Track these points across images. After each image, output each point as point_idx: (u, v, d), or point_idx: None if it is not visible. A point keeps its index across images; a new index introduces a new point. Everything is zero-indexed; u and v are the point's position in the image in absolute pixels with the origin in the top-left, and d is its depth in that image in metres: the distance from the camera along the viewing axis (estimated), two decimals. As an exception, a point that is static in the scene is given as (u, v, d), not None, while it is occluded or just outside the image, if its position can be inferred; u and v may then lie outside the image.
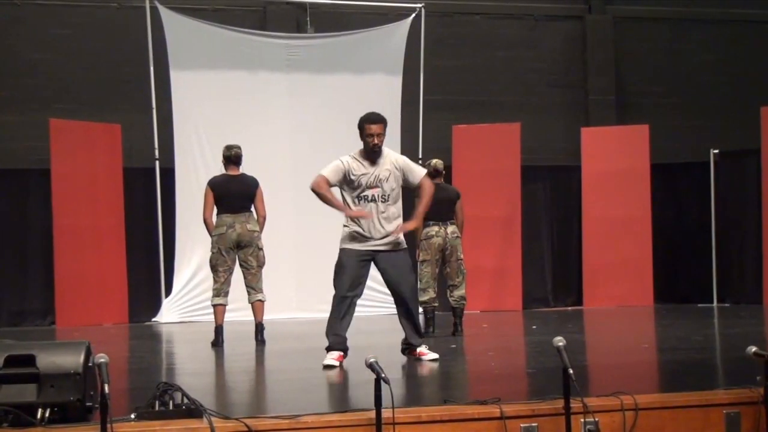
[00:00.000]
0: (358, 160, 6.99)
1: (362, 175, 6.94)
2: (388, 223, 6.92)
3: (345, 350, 6.98)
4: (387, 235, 6.91)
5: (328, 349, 6.95)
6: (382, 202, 6.92)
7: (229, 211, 8.87)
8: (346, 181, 6.96)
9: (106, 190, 12.27)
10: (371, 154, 6.96)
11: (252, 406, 5.34)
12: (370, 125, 6.97)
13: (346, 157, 7.02)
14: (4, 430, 4.23)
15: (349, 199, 6.99)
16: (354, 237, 6.95)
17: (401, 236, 7.01)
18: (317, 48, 13.07)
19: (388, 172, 6.97)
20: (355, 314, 12.15)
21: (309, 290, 12.60)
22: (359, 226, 6.92)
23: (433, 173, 9.07)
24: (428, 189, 7.13)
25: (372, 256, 6.97)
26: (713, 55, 14.94)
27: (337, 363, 6.84)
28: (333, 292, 7.08)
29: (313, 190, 7.03)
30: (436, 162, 9.56)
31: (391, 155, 7.12)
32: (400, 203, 7.04)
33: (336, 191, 7.13)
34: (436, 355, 7.18)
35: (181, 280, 12.38)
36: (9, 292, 12.32)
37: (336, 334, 6.96)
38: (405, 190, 7.15)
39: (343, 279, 6.98)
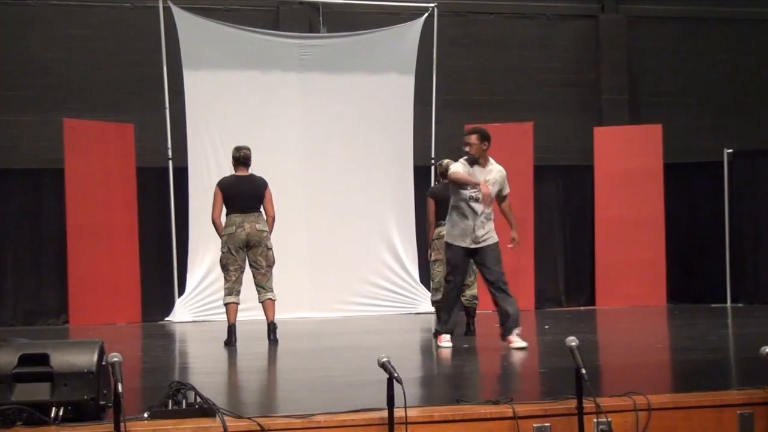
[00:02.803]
0: (467, 166, 7.93)
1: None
2: (483, 227, 7.88)
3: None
4: (484, 237, 7.90)
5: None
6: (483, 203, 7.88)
7: (239, 211, 8.91)
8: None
9: (120, 189, 12.30)
10: (470, 160, 7.93)
11: (265, 406, 5.35)
12: (465, 136, 8.08)
13: (460, 161, 8.01)
14: (19, 429, 4.24)
15: (456, 201, 7.94)
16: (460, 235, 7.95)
17: (494, 234, 7.97)
18: (330, 48, 13.07)
19: (494, 180, 7.94)
20: (366, 313, 12.70)
21: (321, 290, 12.63)
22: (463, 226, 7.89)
23: (444, 173, 9.08)
24: (510, 209, 8.21)
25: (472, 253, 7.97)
26: (727, 55, 14.88)
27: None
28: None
29: (455, 176, 7.93)
30: (448, 162, 9.54)
31: (497, 166, 8.05)
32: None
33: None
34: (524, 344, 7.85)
35: (194, 280, 12.41)
36: (23, 291, 12.36)
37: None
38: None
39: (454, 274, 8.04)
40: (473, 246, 7.89)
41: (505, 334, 7.92)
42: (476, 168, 7.91)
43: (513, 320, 7.85)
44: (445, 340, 8.08)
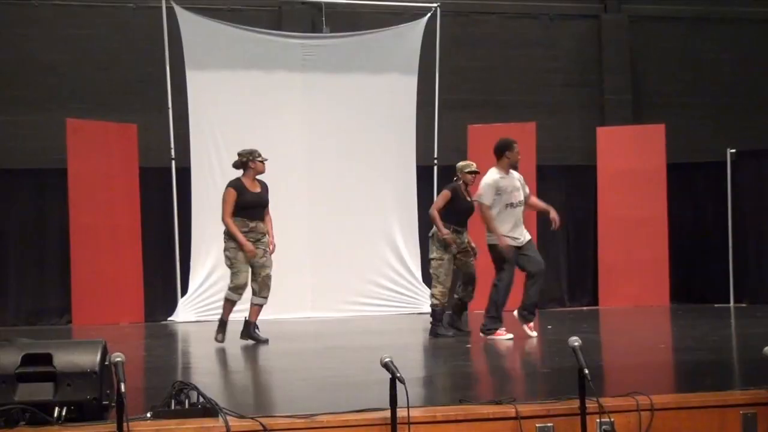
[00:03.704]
0: (503, 176, 8.75)
1: (506, 186, 8.73)
2: (521, 225, 8.83)
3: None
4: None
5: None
6: (520, 206, 8.81)
7: None
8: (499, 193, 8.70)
9: (123, 189, 12.31)
10: (515, 168, 8.83)
11: (267, 405, 5.36)
12: (516, 144, 8.91)
13: (495, 175, 8.74)
14: (22, 429, 4.25)
15: (498, 207, 8.68)
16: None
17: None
18: (333, 48, 13.07)
19: (519, 184, 8.82)
20: (369, 313, 12.93)
21: (324, 290, 12.62)
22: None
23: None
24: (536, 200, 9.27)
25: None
26: (729, 54, 14.86)
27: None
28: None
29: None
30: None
31: (515, 172, 8.88)
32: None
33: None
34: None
35: (196, 280, 12.41)
36: (26, 291, 12.37)
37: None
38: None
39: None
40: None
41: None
42: (506, 178, 8.76)
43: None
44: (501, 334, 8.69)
